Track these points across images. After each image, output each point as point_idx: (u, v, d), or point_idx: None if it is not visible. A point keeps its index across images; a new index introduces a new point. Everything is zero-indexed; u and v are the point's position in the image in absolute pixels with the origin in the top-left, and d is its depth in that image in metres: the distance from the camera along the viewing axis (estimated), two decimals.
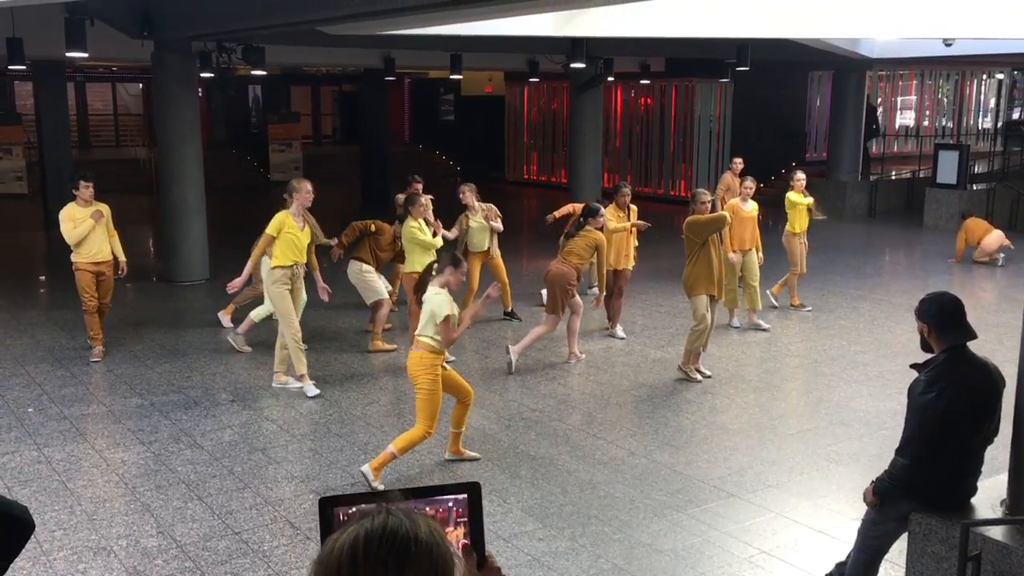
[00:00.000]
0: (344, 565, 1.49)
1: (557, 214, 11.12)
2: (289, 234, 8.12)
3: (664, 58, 20.94)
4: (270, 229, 8.14)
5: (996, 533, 4.10)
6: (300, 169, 24.69)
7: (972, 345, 4.27)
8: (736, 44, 15.47)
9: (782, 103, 22.39)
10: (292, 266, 8.20)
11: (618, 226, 9.93)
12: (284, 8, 9.80)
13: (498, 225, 10.32)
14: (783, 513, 6.02)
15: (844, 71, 20.06)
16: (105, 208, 9.13)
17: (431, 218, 9.19)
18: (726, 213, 8.97)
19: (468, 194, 10.31)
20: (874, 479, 4.37)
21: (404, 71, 26.84)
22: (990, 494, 4.42)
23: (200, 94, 15.00)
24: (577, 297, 9.30)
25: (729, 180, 12.85)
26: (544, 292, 9.89)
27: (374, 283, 9.64)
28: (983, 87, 28.36)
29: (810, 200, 11.31)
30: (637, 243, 10.58)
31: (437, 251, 8.83)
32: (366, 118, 23.75)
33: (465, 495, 1.73)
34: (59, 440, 7.24)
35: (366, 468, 6.31)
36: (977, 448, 4.25)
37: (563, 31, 12.32)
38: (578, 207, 10.35)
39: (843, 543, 5.25)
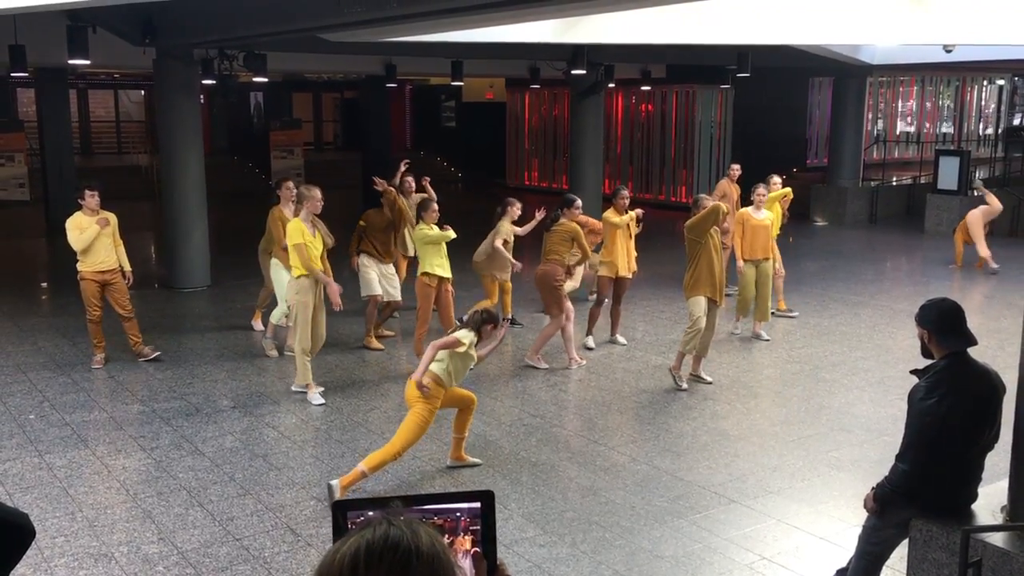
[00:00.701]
0: None
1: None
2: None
3: (665, 64, 20.99)
4: (294, 238, 7.96)
5: (997, 539, 4.10)
6: (302, 175, 24.71)
7: (973, 351, 4.27)
8: (737, 50, 15.50)
9: (783, 109, 22.43)
10: None
11: (621, 219, 9.81)
12: (285, 16, 9.83)
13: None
14: (784, 519, 6.02)
15: (845, 77, 20.10)
16: (112, 217, 9.15)
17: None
18: (720, 203, 8.74)
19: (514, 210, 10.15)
20: (874, 485, 4.37)
21: (405, 78, 26.90)
22: (991, 500, 4.42)
23: (202, 101, 15.03)
24: (568, 303, 9.37)
25: (725, 187, 12.56)
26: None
27: (368, 277, 9.87)
28: (984, 93, 28.39)
29: (787, 190, 11.15)
30: (636, 253, 10.57)
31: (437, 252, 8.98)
32: (368, 124, 23.80)
33: (478, 503, 1.74)
34: (60, 447, 7.25)
35: (336, 483, 6.12)
36: (977, 454, 4.24)
37: (564, 38, 12.35)
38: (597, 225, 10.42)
39: (844, 549, 5.25)
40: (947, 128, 27.72)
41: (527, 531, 5.82)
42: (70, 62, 11.60)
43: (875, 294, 12.91)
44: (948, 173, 18.40)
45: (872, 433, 7.56)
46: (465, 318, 6.55)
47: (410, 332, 10.64)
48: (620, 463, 6.95)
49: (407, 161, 11.43)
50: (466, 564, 1.73)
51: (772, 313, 10.87)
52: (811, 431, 7.68)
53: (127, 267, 9.30)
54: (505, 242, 9.98)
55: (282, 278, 9.36)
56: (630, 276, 10.06)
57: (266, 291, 10.34)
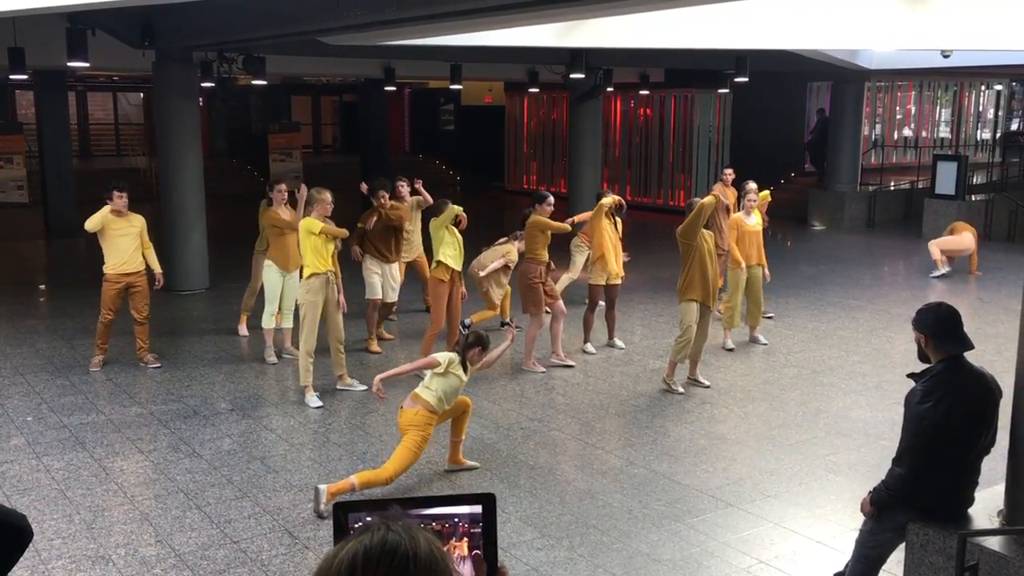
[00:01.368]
0: None
1: (576, 218, 11.38)
2: (316, 241, 8.15)
3: (663, 68, 21.01)
4: (314, 227, 8.07)
5: (993, 543, 4.12)
6: (300, 178, 24.72)
7: (970, 355, 4.28)
8: (735, 55, 15.51)
9: (781, 114, 22.44)
10: (326, 273, 8.21)
11: (606, 201, 9.73)
12: (284, 19, 9.84)
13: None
14: (781, 523, 6.03)
15: (842, 82, 20.12)
16: (140, 219, 9.16)
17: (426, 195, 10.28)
18: (705, 200, 8.60)
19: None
20: (871, 489, 4.38)
21: (404, 81, 26.91)
22: (987, 504, 4.44)
23: (200, 103, 15.03)
24: (560, 303, 9.44)
25: (719, 191, 12.60)
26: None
27: (371, 280, 9.96)
28: (982, 98, 28.42)
29: (765, 193, 11.10)
30: (628, 258, 10.60)
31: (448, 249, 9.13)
32: (366, 127, 23.82)
33: (479, 506, 1.75)
34: (58, 449, 7.25)
35: (323, 488, 6.06)
36: (974, 458, 4.26)
37: (563, 42, 12.35)
38: (588, 215, 10.60)
39: (841, 553, 5.26)
40: (945, 133, 27.75)
41: (525, 534, 5.83)
42: (69, 64, 11.59)
43: (873, 298, 12.92)
44: (946, 178, 18.43)
45: (869, 437, 7.57)
46: (464, 330, 6.60)
47: (409, 335, 10.68)
48: (617, 467, 6.96)
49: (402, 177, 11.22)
50: (465, 568, 1.74)
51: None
52: (808, 435, 7.68)
53: (157, 269, 9.35)
54: (507, 267, 10.06)
55: (271, 279, 9.43)
56: (619, 282, 10.04)
57: (251, 292, 10.39)
